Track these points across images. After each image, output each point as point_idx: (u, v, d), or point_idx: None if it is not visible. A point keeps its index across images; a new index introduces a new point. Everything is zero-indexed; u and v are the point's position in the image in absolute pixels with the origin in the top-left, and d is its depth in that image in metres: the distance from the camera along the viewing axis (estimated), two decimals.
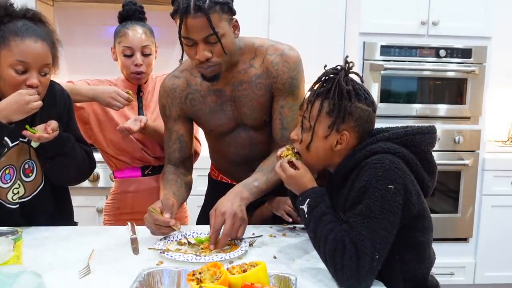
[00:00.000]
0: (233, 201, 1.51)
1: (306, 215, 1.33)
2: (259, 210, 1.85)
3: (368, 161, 1.28)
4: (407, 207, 1.26)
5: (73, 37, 3.45)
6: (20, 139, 1.55)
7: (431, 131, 1.36)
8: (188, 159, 1.81)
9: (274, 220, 1.80)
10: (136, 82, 2.02)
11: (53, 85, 1.64)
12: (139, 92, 2.05)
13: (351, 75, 1.36)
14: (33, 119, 1.53)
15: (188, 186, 1.79)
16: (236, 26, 1.59)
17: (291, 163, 1.39)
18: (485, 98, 3.20)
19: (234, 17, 1.57)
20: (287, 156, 1.41)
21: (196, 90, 1.70)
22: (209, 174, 2.04)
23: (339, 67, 1.35)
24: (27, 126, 1.47)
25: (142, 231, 1.62)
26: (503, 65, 3.40)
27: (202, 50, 1.51)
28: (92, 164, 1.74)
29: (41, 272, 1.14)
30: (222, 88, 1.68)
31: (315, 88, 1.37)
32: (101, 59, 3.43)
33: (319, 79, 1.37)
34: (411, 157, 1.31)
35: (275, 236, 1.62)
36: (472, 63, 3.16)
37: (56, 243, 1.53)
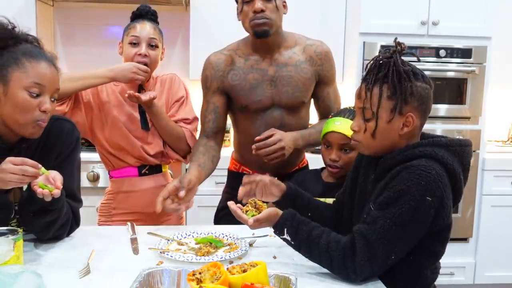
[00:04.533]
0: (290, 142, 1.81)
1: (292, 242, 1.34)
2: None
3: (414, 164, 1.26)
4: (437, 220, 1.26)
5: (73, 37, 3.45)
6: None
7: (472, 145, 1.40)
8: (221, 132, 1.97)
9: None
10: None
11: (62, 123, 1.57)
12: (140, 89, 2.00)
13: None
14: (33, 156, 1.41)
15: (216, 159, 1.93)
16: (285, 7, 1.89)
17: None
18: (485, 98, 3.20)
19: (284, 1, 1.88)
20: (246, 212, 1.42)
21: (239, 67, 1.90)
22: (228, 169, 2.13)
23: (390, 50, 1.32)
24: (40, 184, 1.32)
25: (142, 231, 1.62)
26: (503, 65, 3.39)
27: (258, 1, 1.77)
28: (75, 225, 1.60)
29: (41, 272, 1.14)
30: (266, 68, 1.88)
31: (367, 76, 1.34)
32: (101, 59, 3.43)
33: (372, 66, 1.34)
34: (458, 172, 1.30)
35: (275, 236, 1.62)
36: (472, 63, 3.16)
37: (56, 243, 1.53)
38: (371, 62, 1.34)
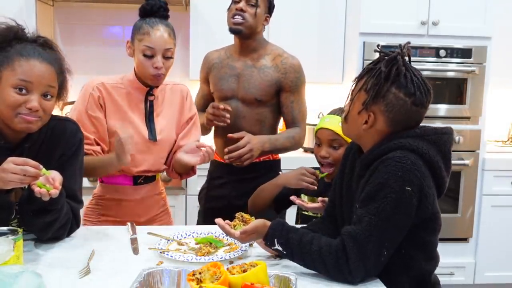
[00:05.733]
0: (258, 144, 2.03)
1: (284, 252, 1.33)
2: (259, 191, 1.92)
3: (389, 157, 1.27)
4: (421, 209, 1.27)
5: (73, 37, 3.45)
6: None
7: (452, 132, 1.37)
8: None
9: (278, 205, 1.89)
10: (154, 84, 1.86)
11: (65, 124, 1.56)
12: (148, 95, 1.88)
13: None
14: (35, 156, 1.41)
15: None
16: (267, 20, 2.18)
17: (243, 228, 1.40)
18: (485, 98, 3.20)
19: (268, 15, 2.17)
20: (234, 226, 1.42)
21: (220, 62, 2.23)
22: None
23: (394, 50, 1.33)
24: (38, 183, 1.32)
25: (142, 231, 1.62)
26: (503, 65, 3.39)
27: (243, 2, 2.08)
28: (75, 226, 1.59)
29: (41, 272, 1.14)
30: (236, 65, 2.18)
31: (370, 64, 1.36)
32: (101, 59, 3.44)
33: (378, 58, 1.35)
34: (436, 160, 1.30)
35: None
36: (472, 63, 3.16)
37: (56, 243, 1.52)
38: (381, 54, 1.35)
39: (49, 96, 1.42)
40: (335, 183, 1.53)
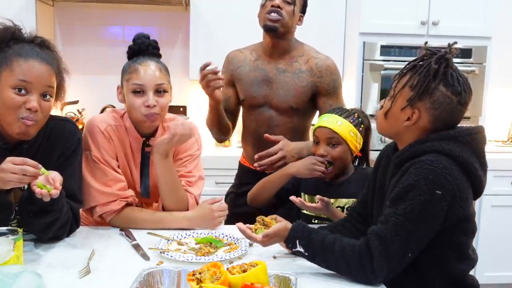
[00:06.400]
0: (293, 151, 1.90)
1: (306, 253, 1.32)
2: (263, 183, 1.88)
3: (422, 159, 1.27)
4: (452, 212, 1.26)
5: (73, 37, 3.45)
6: None
7: (484, 130, 1.38)
8: (232, 114, 2.15)
9: (278, 201, 1.87)
10: (148, 125, 1.66)
11: (64, 124, 1.56)
12: (145, 145, 1.72)
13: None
14: (34, 156, 1.40)
15: (229, 126, 2.14)
16: (301, 19, 2.04)
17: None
18: (485, 98, 3.20)
19: (302, 14, 2.04)
20: (256, 230, 1.41)
21: (248, 64, 2.07)
22: (240, 161, 2.27)
23: (441, 49, 1.34)
24: (39, 184, 1.32)
25: (142, 231, 1.62)
26: (503, 65, 3.39)
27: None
28: (75, 226, 1.58)
29: (41, 272, 1.14)
30: (267, 69, 2.04)
31: (414, 61, 1.36)
32: (101, 59, 3.44)
33: (423, 55, 1.36)
34: (471, 161, 1.29)
35: None
36: (472, 63, 3.15)
37: (56, 243, 1.53)
38: (427, 51, 1.36)
39: (48, 96, 1.42)
40: (368, 184, 1.54)
